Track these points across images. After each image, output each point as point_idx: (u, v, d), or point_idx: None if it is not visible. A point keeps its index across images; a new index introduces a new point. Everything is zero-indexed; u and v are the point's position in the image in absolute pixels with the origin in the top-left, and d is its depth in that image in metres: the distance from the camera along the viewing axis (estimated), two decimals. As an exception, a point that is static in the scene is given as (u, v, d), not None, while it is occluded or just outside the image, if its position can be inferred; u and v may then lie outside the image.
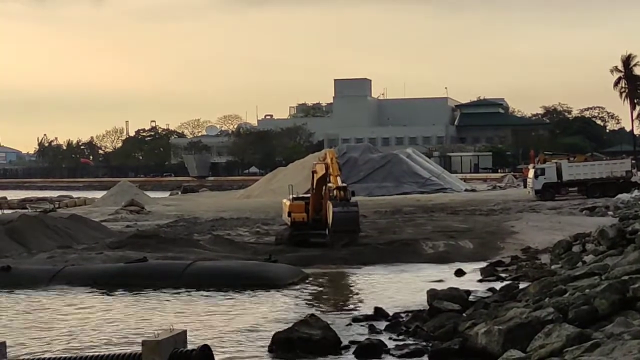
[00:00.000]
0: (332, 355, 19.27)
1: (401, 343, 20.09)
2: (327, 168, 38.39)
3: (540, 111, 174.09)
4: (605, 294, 17.52)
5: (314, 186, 40.01)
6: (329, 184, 38.15)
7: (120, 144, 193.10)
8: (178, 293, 28.59)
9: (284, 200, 42.62)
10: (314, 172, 40.30)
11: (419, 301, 25.08)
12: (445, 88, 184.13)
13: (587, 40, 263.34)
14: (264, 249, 38.82)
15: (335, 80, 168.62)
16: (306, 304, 26.33)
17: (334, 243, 38.32)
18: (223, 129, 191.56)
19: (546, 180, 67.69)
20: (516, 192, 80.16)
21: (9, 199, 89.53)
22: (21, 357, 18.61)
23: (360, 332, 21.49)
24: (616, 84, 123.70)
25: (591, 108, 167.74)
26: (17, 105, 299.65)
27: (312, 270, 33.18)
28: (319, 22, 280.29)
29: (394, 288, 29.26)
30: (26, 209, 71.41)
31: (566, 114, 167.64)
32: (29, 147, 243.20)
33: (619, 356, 12.25)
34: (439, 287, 26.31)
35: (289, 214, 40.06)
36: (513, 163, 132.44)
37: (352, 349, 19.49)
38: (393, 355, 18.95)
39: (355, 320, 22.98)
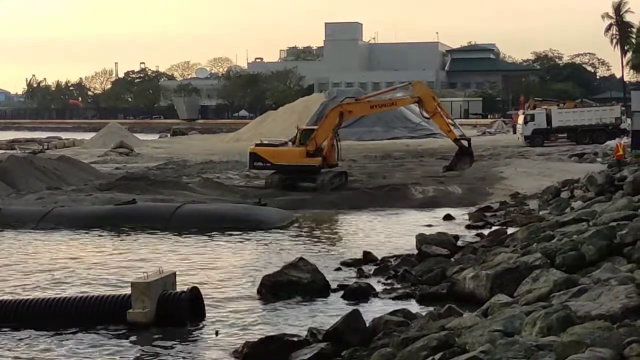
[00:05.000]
0: (320, 298, 19.35)
1: (389, 287, 20.21)
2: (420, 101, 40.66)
3: (531, 57, 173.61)
4: (593, 240, 17.60)
5: (335, 130, 40.07)
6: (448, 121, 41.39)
7: (109, 86, 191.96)
8: (167, 235, 28.64)
9: (251, 147, 41.54)
10: (342, 112, 40.14)
11: (408, 246, 25.19)
12: (437, 33, 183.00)
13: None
14: (253, 192, 38.82)
15: (326, 23, 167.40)
16: (295, 247, 26.38)
17: (323, 187, 38.54)
18: (213, 71, 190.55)
19: (536, 127, 67.75)
20: (505, 138, 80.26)
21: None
22: (6, 298, 18.66)
23: (349, 276, 21.60)
24: (607, 30, 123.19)
25: (582, 54, 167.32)
26: (4, 45, 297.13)
27: (302, 214, 33.25)
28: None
29: (382, 232, 29.35)
30: (15, 149, 71.33)
31: (557, 60, 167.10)
32: (17, 87, 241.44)
33: (605, 301, 12.32)
34: (428, 231, 26.41)
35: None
36: (503, 109, 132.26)
37: (341, 293, 19.58)
38: (381, 299, 19.06)
39: (344, 264, 23.07)
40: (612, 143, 58.68)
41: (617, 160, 33.91)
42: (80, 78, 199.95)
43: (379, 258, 23.55)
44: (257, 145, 40.92)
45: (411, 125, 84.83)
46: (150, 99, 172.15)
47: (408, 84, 43.92)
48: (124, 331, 16.54)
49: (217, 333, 16.53)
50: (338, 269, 22.54)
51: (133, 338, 16.25)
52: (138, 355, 15.48)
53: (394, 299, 18.98)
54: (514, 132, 77.32)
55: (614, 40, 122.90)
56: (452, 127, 42.12)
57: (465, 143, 42.08)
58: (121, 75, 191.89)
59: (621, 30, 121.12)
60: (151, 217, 30.56)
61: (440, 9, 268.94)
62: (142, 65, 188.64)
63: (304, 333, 15.18)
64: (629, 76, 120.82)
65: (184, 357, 15.30)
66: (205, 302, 17.88)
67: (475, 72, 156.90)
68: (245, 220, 30.09)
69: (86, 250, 26.35)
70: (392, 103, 44.22)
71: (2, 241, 28.10)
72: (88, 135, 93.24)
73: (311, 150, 39.51)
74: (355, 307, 16.23)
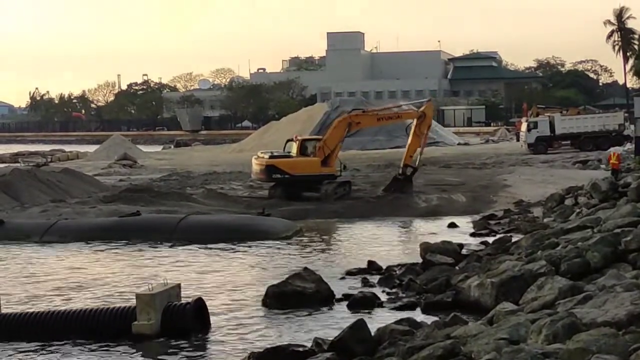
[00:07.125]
0: (325, 308, 19.34)
1: (394, 296, 20.19)
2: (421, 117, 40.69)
3: (534, 64, 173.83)
4: (598, 246, 17.60)
5: (342, 140, 40.65)
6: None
7: (112, 98, 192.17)
8: (171, 247, 28.64)
9: (254, 160, 41.58)
10: (350, 123, 40.48)
11: (412, 254, 25.17)
12: (439, 41, 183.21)
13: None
14: (257, 202, 38.81)
15: (328, 33, 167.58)
16: (299, 257, 26.38)
17: (327, 197, 38.57)
18: (216, 82, 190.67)
19: (539, 134, 67.75)
20: (509, 145, 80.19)
21: (1, 153, 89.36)
22: (13, 311, 18.64)
23: (353, 286, 21.58)
24: (609, 37, 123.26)
25: (584, 61, 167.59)
26: (8, 59, 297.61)
27: (305, 224, 33.22)
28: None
29: (387, 241, 29.33)
30: (19, 163, 71.38)
31: (559, 67, 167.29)
32: (20, 100, 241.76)
33: (611, 308, 12.31)
34: (432, 240, 26.39)
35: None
36: (506, 117, 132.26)
37: (346, 302, 19.56)
38: (386, 308, 19.04)
39: (349, 273, 23.07)
40: (615, 150, 58.78)
41: (613, 170, 33.47)
42: (83, 90, 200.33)
43: (384, 267, 23.53)
44: (271, 157, 40.51)
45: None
46: (153, 110, 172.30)
47: (427, 101, 44.51)
48: (129, 343, 16.52)
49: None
50: (342, 279, 22.54)
51: (138, 350, 16.24)
52: (143, 367, 15.48)
53: (398, 308, 18.96)
54: (517, 140, 77.24)
55: (616, 47, 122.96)
56: (413, 155, 41.68)
57: (409, 172, 41.42)
58: (124, 87, 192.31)
59: (623, 36, 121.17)
60: (155, 229, 30.56)
61: (442, 17, 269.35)
62: (145, 77, 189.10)
63: (309, 343, 15.15)
64: (632, 82, 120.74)
65: (189, 369, 15.29)
66: (210, 313, 17.87)
67: (477, 80, 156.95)
68: (249, 231, 30.09)
69: (90, 263, 26.34)
70: (397, 116, 44.63)
71: (7, 254, 28.10)
72: (91, 148, 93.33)
73: (320, 159, 39.58)
74: (360, 317, 16.20)
